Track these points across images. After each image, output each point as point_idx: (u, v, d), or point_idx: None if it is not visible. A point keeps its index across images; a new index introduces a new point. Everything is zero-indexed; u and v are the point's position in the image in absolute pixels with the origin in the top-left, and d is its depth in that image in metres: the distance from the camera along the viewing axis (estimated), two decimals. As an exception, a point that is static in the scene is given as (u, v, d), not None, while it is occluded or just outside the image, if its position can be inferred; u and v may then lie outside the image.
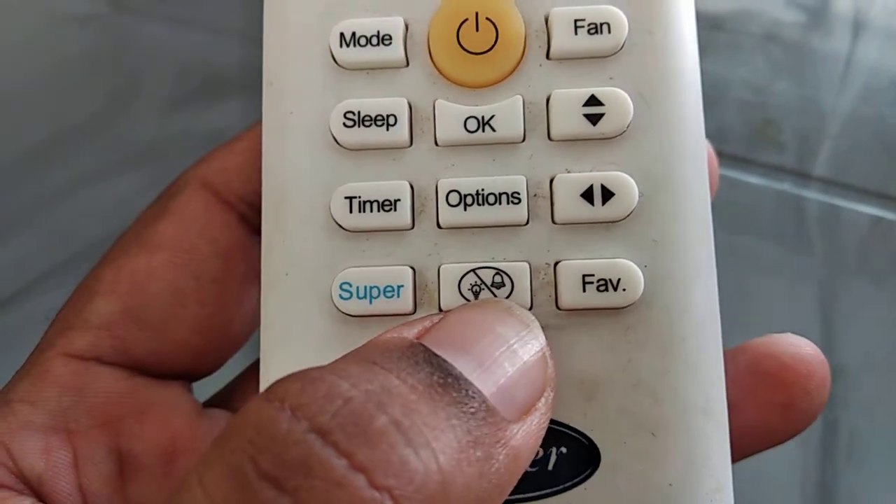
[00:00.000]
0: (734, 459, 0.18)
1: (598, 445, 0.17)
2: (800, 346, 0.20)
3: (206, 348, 0.21)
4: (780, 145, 0.35)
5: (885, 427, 0.33)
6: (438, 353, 0.15)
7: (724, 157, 0.34)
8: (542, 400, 0.16)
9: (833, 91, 0.37)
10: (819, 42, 0.37)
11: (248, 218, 0.22)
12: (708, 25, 0.37)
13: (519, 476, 0.15)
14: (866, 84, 0.37)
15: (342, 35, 0.19)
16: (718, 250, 0.18)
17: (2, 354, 0.22)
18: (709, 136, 0.19)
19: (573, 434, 0.17)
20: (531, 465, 0.17)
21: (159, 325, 0.20)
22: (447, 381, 0.14)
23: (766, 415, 0.20)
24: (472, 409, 0.14)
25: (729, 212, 0.33)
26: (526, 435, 0.15)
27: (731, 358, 0.20)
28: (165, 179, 0.23)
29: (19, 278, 0.36)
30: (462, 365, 0.15)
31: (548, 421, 0.16)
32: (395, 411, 0.13)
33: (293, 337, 0.18)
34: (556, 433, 0.17)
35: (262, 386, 0.18)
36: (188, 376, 0.22)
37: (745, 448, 0.20)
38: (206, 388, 0.23)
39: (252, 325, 0.22)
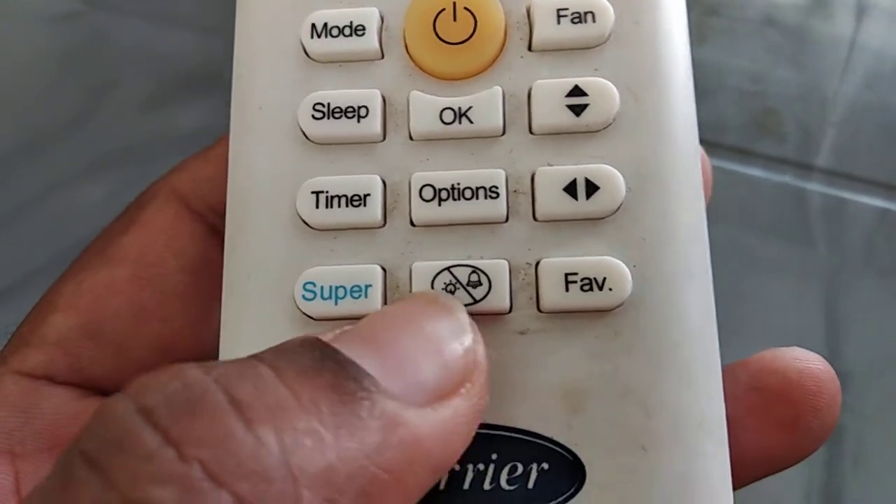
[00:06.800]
0: (733, 486, 0.16)
1: (584, 461, 0.16)
2: (807, 361, 0.18)
3: None
4: (781, 136, 0.34)
5: (893, 433, 0.32)
6: (343, 347, 0.14)
7: (723, 148, 0.33)
8: (465, 388, 0.14)
9: (836, 77, 0.36)
10: (820, 26, 0.36)
11: (220, 230, 0.20)
12: (702, 11, 0.37)
13: (429, 469, 0.14)
14: (870, 69, 0.36)
15: (314, 26, 0.18)
16: (716, 246, 0.17)
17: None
18: (706, 126, 0.18)
19: (556, 448, 0.16)
20: (509, 483, 0.16)
21: (118, 343, 0.19)
22: (324, 365, 0.13)
23: (769, 436, 0.18)
24: (351, 389, 0.13)
25: (728, 206, 0.32)
26: (433, 422, 0.14)
27: (731, 374, 0.18)
28: (143, 181, 0.22)
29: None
30: (357, 350, 0.14)
31: (477, 413, 0.15)
32: (239, 391, 0.12)
33: (252, 342, 0.17)
34: (538, 447, 0.16)
35: None
36: None
37: (746, 473, 0.18)
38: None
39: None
